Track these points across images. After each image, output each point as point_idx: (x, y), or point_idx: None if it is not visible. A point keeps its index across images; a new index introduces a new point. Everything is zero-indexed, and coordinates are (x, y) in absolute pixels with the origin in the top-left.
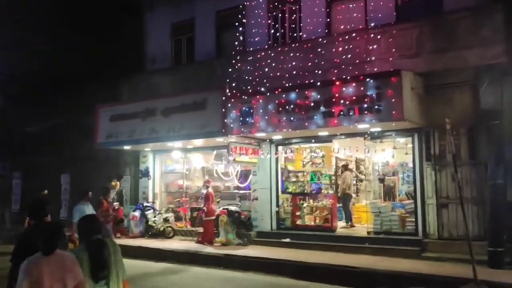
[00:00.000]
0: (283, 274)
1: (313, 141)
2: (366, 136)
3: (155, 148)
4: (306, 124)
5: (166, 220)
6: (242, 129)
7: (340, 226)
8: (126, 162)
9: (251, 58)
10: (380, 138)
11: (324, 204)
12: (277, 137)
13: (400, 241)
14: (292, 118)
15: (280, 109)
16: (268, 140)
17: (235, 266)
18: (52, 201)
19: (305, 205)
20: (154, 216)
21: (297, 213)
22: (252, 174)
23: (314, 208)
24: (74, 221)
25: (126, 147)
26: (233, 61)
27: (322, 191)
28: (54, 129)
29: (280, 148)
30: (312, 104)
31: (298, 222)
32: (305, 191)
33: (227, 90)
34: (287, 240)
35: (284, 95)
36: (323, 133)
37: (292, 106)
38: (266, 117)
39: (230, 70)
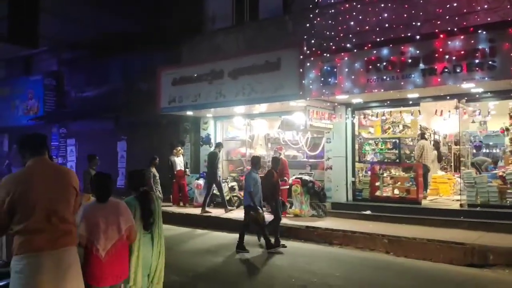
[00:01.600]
0: (374, 249)
1: (396, 104)
2: (460, 98)
3: (217, 114)
4: (402, 83)
5: (232, 189)
6: (323, 91)
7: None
8: (185, 129)
9: (332, 11)
10: (477, 100)
11: (408, 173)
12: (357, 100)
13: (500, 215)
14: (384, 77)
15: (370, 67)
16: (343, 104)
17: (318, 240)
18: (108, 169)
19: (385, 175)
20: None
21: (376, 184)
22: (326, 141)
23: (396, 178)
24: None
25: (189, 113)
26: (311, 15)
27: (405, 160)
28: (110, 94)
29: (357, 112)
30: (409, 60)
31: (377, 193)
32: (386, 160)
33: (305, 48)
34: (368, 212)
35: (374, 51)
36: (413, 95)
37: (384, 64)
38: (353, 77)
39: (307, 25)
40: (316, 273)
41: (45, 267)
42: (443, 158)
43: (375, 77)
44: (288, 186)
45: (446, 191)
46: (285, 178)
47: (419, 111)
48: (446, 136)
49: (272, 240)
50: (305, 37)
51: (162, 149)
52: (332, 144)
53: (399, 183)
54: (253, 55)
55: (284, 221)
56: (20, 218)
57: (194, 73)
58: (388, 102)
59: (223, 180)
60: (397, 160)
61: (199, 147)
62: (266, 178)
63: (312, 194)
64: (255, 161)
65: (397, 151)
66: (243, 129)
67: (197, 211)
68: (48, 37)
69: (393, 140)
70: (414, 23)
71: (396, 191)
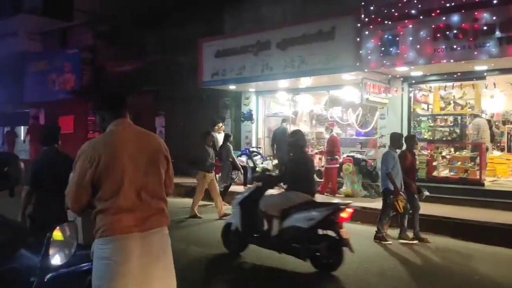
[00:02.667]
0: (442, 233)
1: (457, 78)
2: None
3: (259, 89)
4: (475, 53)
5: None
6: (384, 62)
7: None
8: (225, 104)
9: None
10: None
11: (469, 153)
12: (416, 73)
13: None
14: (455, 47)
15: (438, 35)
16: (399, 78)
17: (368, 220)
18: None
19: (444, 154)
20: (262, 163)
21: (433, 164)
22: (380, 117)
23: (455, 157)
24: None
25: (231, 87)
26: None
27: (466, 138)
28: (148, 68)
29: (413, 87)
30: (484, 28)
31: (434, 173)
32: (444, 138)
33: (362, 16)
34: (426, 193)
35: (444, 18)
36: (481, 67)
37: (455, 32)
38: (418, 46)
39: None
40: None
41: (135, 252)
42: (495, 137)
43: (443, 47)
44: (338, 165)
45: (504, 173)
46: (336, 156)
47: (486, 85)
48: (494, 115)
49: (409, 234)
50: (363, 3)
51: (202, 124)
52: (386, 120)
53: (459, 163)
54: (305, 24)
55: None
56: (105, 193)
57: (239, 45)
58: (444, 75)
59: (267, 158)
60: (457, 139)
61: (240, 123)
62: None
63: (364, 174)
64: (396, 138)
65: (457, 129)
66: (286, 104)
67: (239, 189)
68: (83, 10)
69: (453, 117)
70: None
71: (456, 172)
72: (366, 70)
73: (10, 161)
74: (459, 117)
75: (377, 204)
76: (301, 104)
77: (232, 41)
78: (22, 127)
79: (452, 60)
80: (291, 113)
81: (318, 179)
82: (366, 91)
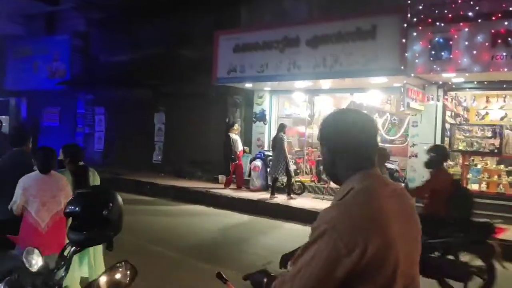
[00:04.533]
0: None
1: (497, 87)
2: None
3: (275, 88)
4: None
5: (295, 173)
6: (434, 67)
7: None
8: (235, 103)
9: None
10: None
11: (506, 166)
12: (459, 79)
13: None
14: None
15: (499, 41)
16: (435, 84)
17: None
18: (143, 142)
19: (479, 166)
20: None
21: (468, 176)
22: (412, 125)
23: (492, 170)
24: None
25: (248, 85)
26: None
27: (506, 150)
28: (148, 60)
29: (449, 94)
30: None
31: (468, 186)
32: (481, 149)
33: (409, 15)
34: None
35: (506, 23)
36: None
37: None
38: (474, 52)
39: None
40: None
41: None
42: None
43: (504, 54)
44: None
45: None
46: None
47: None
48: None
49: None
50: (409, 1)
51: (208, 123)
52: (418, 128)
53: (496, 176)
54: (340, 20)
55: None
56: None
57: (261, 39)
58: (484, 84)
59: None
60: (495, 151)
61: (251, 123)
62: None
63: None
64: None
65: (497, 141)
66: (303, 106)
67: (257, 195)
68: None
69: (493, 128)
70: None
71: (493, 186)
72: (412, 75)
73: (110, 201)
74: (499, 127)
75: None
76: (319, 105)
77: (253, 35)
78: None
79: None
80: (307, 115)
81: None
82: (409, 97)
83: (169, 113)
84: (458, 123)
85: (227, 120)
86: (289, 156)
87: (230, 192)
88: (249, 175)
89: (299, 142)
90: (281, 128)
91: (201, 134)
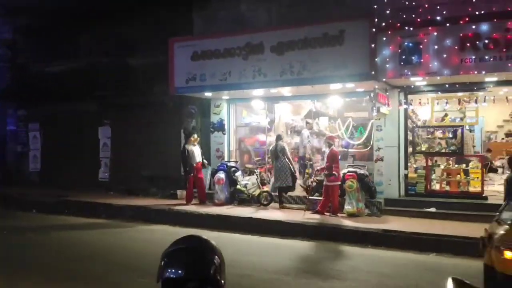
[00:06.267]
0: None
1: (456, 89)
2: None
3: (232, 96)
4: (510, 65)
5: (262, 183)
6: (405, 71)
7: None
8: (190, 113)
9: None
10: None
11: (470, 165)
12: (420, 83)
13: None
14: (486, 57)
15: (468, 44)
16: (397, 87)
17: (401, 246)
18: (86, 158)
19: (442, 166)
20: (243, 179)
21: (432, 177)
22: (376, 129)
23: (455, 170)
24: None
25: (208, 94)
26: None
27: (466, 150)
28: (89, 70)
29: (410, 97)
30: None
31: (433, 187)
32: (443, 150)
33: (376, 19)
34: (433, 209)
35: (473, 26)
36: (491, 78)
37: (486, 41)
38: (445, 55)
39: None
40: None
41: None
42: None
43: (473, 57)
44: (339, 182)
45: None
46: (334, 172)
47: (493, 98)
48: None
49: None
50: (375, 6)
51: (161, 135)
52: (383, 132)
53: (458, 176)
54: (306, 26)
55: (348, 223)
56: None
57: (222, 46)
58: (441, 86)
59: (246, 173)
60: (457, 151)
61: (209, 134)
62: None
63: (366, 190)
64: None
65: (457, 141)
66: (262, 113)
67: (224, 210)
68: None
69: (453, 129)
70: None
71: (456, 185)
72: (384, 80)
73: (217, 255)
74: (459, 129)
75: (395, 224)
76: (279, 113)
77: (212, 42)
78: None
79: (483, 72)
80: (267, 123)
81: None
82: (379, 102)
83: (117, 126)
84: (420, 125)
85: (182, 131)
86: (250, 166)
87: (195, 208)
88: (209, 188)
89: (258, 151)
90: (279, 138)
91: (155, 148)
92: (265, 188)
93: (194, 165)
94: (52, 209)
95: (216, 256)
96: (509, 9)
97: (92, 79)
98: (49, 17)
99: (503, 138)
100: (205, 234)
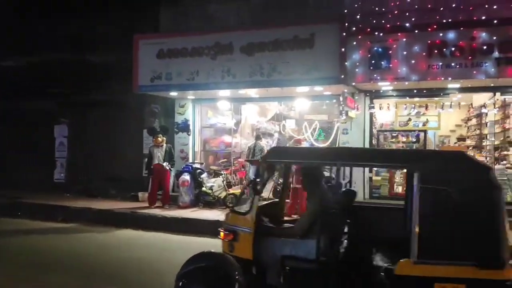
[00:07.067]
0: None
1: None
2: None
3: (198, 96)
4: (474, 72)
5: (229, 185)
6: (374, 75)
7: None
8: (153, 112)
9: None
10: None
11: None
12: (386, 87)
13: None
14: (453, 64)
15: (436, 51)
16: (362, 91)
17: None
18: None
19: (405, 170)
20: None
21: (395, 180)
22: (342, 132)
23: None
24: None
25: (173, 94)
26: None
27: None
28: (48, 66)
29: (375, 101)
30: (484, 47)
31: (397, 190)
32: None
33: (346, 24)
34: None
35: (440, 34)
36: (455, 85)
37: (452, 49)
38: (413, 61)
39: None
40: None
41: None
42: None
43: (440, 63)
44: None
45: None
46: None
47: (450, 104)
48: None
49: None
50: (346, 11)
51: (122, 135)
52: (349, 135)
53: None
54: (277, 28)
55: None
56: None
57: (190, 45)
58: (408, 92)
59: (211, 174)
60: None
61: (173, 134)
62: None
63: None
64: None
65: (420, 145)
66: (228, 114)
67: (189, 213)
68: None
69: (416, 133)
70: (486, 6)
71: None
72: (354, 84)
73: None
74: (422, 134)
75: None
76: (245, 114)
77: (179, 40)
78: None
79: (450, 78)
80: (232, 124)
81: None
82: (347, 106)
83: (74, 125)
84: (384, 129)
85: (146, 131)
86: (215, 167)
87: (159, 211)
88: (173, 190)
89: (224, 153)
90: (258, 137)
91: (114, 148)
92: (231, 191)
93: (151, 166)
94: (3, 211)
95: (236, 273)
96: (475, 18)
97: (48, 76)
98: (3, 9)
99: (455, 142)
100: (170, 238)
